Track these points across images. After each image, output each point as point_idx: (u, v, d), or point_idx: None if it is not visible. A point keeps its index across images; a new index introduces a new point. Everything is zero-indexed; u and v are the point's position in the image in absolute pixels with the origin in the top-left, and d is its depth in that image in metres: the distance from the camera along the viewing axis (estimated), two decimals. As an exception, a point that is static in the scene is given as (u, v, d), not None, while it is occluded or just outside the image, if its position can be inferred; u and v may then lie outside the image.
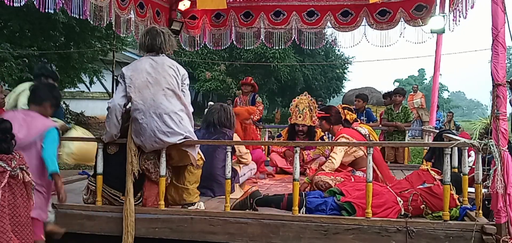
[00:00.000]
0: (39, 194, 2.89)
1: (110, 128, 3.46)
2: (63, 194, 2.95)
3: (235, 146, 4.31)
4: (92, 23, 4.83)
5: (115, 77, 13.04)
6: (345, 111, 4.98)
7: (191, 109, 3.47)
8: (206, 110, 4.69)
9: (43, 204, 2.96)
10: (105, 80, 18.24)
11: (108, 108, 3.49)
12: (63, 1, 4.18)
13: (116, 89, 3.58)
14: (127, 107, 3.50)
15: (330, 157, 4.30)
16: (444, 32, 5.68)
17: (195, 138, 3.54)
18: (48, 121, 3.02)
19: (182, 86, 3.44)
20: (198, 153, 3.58)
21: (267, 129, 8.49)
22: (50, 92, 3.12)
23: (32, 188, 2.73)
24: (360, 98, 7.30)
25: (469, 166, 3.56)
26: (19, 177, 2.57)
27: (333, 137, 4.72)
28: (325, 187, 3.86)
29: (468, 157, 3.43)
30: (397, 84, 43.05)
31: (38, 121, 2.93)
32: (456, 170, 3.71)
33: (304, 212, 3.42)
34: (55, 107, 3.16)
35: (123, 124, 3.49)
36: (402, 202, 3.42)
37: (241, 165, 4.52)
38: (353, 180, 4.02)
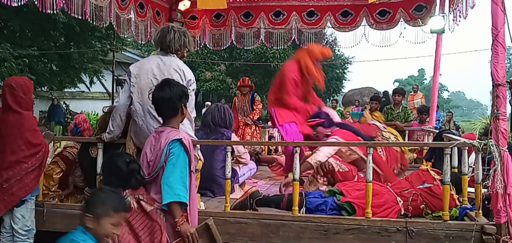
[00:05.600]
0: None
1: (113, 128, 3.46)
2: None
3: (232, 146, 4.30)
4: (92, 23, 4.82)
5: (115, 77, 13.05)
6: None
7: (193, 114, 3.43)
8: (203, 110, 4.71)
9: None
10: (105, 80, 18.26)
11: (113, 107, 3.49)
12: (63, 1, 4.18)
13: (122, 87, 3.54)
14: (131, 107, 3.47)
15: (315, 155, 4.06)
16: (444, 32, 5.68)
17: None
18: None
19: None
20: (198, 154, 3.57)
21: (267, 129, 8.49)
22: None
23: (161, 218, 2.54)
24: (376, 101, 7.30)
25: (469, 166, 3.57)
26: (132, 206, 2.47)
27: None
28: (327, 170, 3.84)
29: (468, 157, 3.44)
30: (397, 84, 43.05)
31: None
32: (456, 170, 3.72)
33: (304, 212, 3.42)
34: None
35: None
36: (402, 202, 3.43)
37: (240, 165, 4.52)
38: (356, 178, 4.02)
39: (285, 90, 4.48)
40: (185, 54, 3.50)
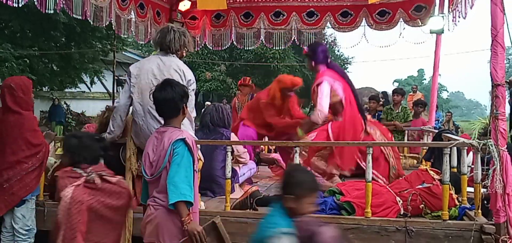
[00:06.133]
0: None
1: (114, 128, 3.47)
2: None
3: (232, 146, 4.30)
4: (92, 23, 4.83)
5: (115, 77, 13.04)
6: None
7: (193, 114, 3.42)
8: (202, 110, 4.70)
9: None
10: (105, 80, 18.24)
11: (113, 108, 3.49)
12: (63, 2, 4.18)
13: (123, 88, 3.56)
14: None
15: (317, 109, 4.13)
16: (443, 33, 5.69)
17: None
18: None
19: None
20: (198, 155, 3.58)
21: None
22: None
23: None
24: (374, 100, 7.34)
25: (468, 166, 3.58)
26: (96, 182, 2.54)
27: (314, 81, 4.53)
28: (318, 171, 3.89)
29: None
30: (396, 84, 43.02)
31: None
32: (455, 170, 3.73)
33: (304, 212, 3.43)
34: None
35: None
36: (401, 201, 3.44)
37: (240, 165, 4.53)
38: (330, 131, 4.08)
39: (263, 113, 4.97)
40: (185, 54, 3.50)
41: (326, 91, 4.13)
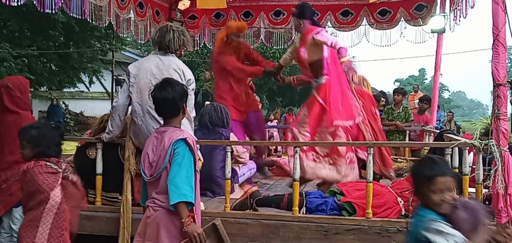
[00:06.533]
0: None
1: (113, 128, 3.45)
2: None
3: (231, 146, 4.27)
4: (91, 22, 4.80)
5: (114, 77, 13.02)
6: None
7: (193, 114, 3.41)
8: (201, 110, 4.68)
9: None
10: (104, 80, 18.23)
11: (113, 108, 3.48)
12: (62, 1, 4.15)
13: (121, 87, 3.55)
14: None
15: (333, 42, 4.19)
16: (444, 32, 5.67)
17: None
18: None
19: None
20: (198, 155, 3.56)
21: (267, 130, 8.47)
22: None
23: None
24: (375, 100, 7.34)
25: (469, 166, 3.56)
26: (70, 178, 2.64)
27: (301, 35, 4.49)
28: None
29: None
30: (397, 84, 43.03)
31: None
32: (456, 170, 3.70)
33: (304, 212, 3.42)
34: None
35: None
36: (402, 202, 3.42)
37: (239, 165, 4.50)
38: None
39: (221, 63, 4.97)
40: (183, 53, 3.48)
41: (327, 35, 4.30)
